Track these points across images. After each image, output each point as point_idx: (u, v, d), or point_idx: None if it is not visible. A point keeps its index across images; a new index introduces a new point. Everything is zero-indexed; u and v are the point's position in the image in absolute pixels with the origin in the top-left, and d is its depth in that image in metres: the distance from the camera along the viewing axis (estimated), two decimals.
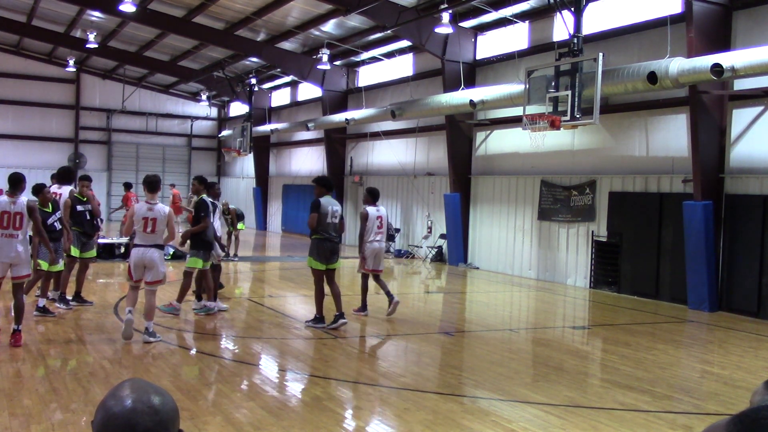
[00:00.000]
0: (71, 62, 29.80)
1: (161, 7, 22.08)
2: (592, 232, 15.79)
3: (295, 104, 30.22)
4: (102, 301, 11.64)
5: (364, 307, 11.34)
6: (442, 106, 18.03)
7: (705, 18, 12.52)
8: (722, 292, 13.01)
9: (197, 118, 36.41)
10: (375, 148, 24.51)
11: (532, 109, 13.50)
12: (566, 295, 15.06)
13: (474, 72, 19.12)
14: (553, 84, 13.18)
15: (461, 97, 17.29)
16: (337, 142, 26.09)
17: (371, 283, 11.37)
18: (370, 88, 24.14)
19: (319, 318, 10.33)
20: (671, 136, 14.28)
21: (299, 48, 24.23)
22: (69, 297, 11.02)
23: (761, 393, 1.78)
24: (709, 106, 12.83)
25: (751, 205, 12.61)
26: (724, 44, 12.52)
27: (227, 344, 9.52)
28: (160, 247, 8.97)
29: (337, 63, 24.40)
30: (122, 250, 17.53)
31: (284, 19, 21.40)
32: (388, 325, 10.81)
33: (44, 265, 9.87)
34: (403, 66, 22.60)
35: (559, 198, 16.71)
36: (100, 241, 16.97)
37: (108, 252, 17.56)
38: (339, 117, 23.24)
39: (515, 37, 17.91)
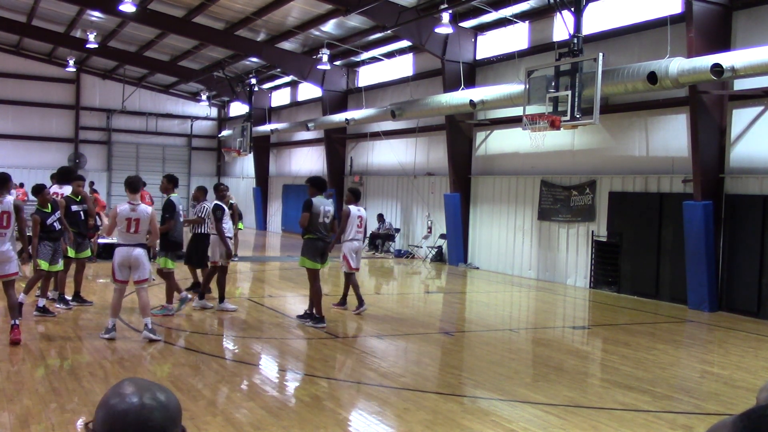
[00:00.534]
0: (71, 62, 29.80)
1: (161, 7, 22.08)
2: (592, 232, 15.79)
3: (295, 104, 30.22)
4: (102, 301, 11.61)
5: (360, 302, 11.48)
6: (442, 106, 18.03)
7: (705, 18, 12.52)
8: (722, 292, 13.01)
9: (197, 118, 36.41)
10: (375, 148, 24.51)
11: (532, 109, 13.50)
12: (566, 295, 15.05)
13: (474, 72, 19.11)
14: (553, 84, 13.17)
15: (461, 97, 17.29)
16: (337, 142, 26.09)
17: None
18: (370, 88, 24.14)
19: (319, 318, 10.36)
20: (671, 136, 14.28)
21: (299, 48, 24.23)
22: (68, 297, 11.03)
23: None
24: (709, 106, 12.83)
25: (751, 205, 12.61)
26: (724, 44, 12.52)
27: (227, 344, 9.53)
28: (144, 245, 9.01)
29: (337, 63, 24.40)
30: None
31: (284, 19, 21.40)
32: (388, 325, 10.81)
33: (44, 265, 9.89)
34: (403, 66, 22.60)
35: (559, 198, 16.71)
36: (101, 241, 16.99)
37: (108, 252, 17.51)
38: (339, 117, 23.24)
39: (515, 37, 17.91)
